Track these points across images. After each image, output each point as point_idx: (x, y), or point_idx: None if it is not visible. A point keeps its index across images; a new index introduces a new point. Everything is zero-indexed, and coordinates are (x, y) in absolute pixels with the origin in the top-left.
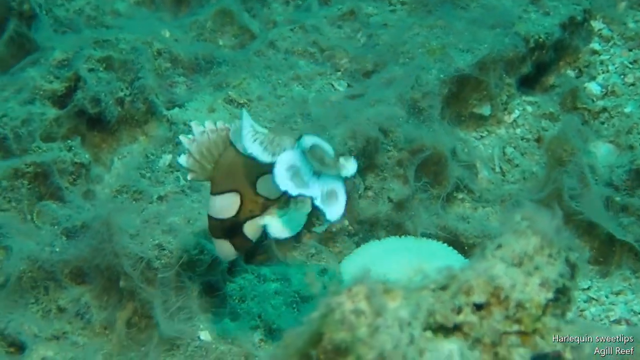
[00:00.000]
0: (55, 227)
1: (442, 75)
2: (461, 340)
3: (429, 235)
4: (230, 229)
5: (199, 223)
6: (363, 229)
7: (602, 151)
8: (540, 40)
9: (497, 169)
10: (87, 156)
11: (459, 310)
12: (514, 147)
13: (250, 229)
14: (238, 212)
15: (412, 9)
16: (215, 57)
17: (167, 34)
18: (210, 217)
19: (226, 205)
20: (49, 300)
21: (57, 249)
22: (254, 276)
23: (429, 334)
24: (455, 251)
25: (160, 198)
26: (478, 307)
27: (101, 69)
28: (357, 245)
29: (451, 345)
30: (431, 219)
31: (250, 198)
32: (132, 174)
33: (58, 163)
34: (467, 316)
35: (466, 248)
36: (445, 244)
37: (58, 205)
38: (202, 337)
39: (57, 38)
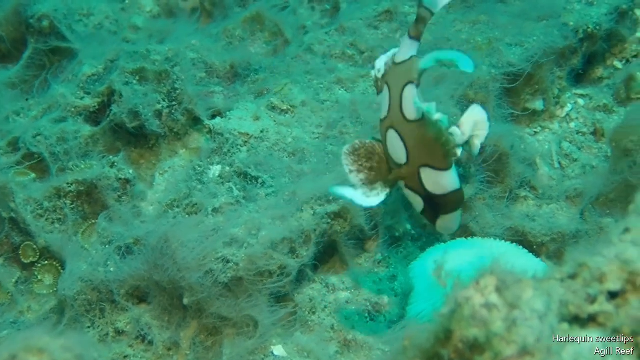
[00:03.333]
0: (107, 246)
1: (493, 71)
2: (599, 331)
3: (495, 236)
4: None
5: (263, 233)
6: (426, 232)
7: None
8: (589, 30)
9: (556, 165)
10: (131, 172)
11: (593, 300)
12: (570, 142)
13: None
14: None
15: (451, 5)
16: (251, 64)
17: (197, 44)
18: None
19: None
20: (106, 323)
21: (112, 269)
22: (322, 286)
23: (565, 325)
24: (526, 251)
25: (215, 210)
26: (613, 296)
27: (135, 81)
28: (422, 249)
29: (592, 337)
30: (496, 218)
31: None
32: (181, 187)
33: (102, 180)
34: (603, 305)
35: (535, 247)
36: (515, 244)
37: (108, 224)
38: (275, 353)
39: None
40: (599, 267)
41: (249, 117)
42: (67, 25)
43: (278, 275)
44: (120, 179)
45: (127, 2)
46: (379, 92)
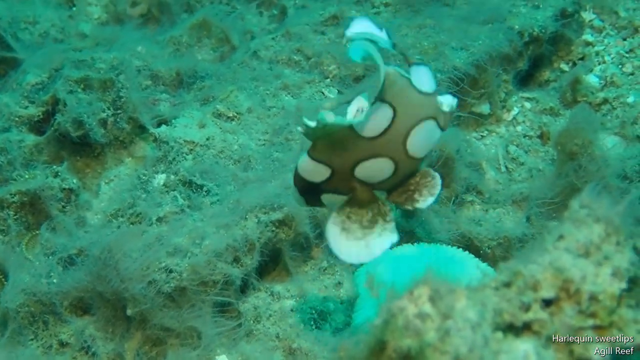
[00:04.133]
0: (50, 257)
1: (439, 75)
2: (533, 339)
3: (442, 242)
4: (309, 189)
5: (207, 242)
6: None
7: (608, 144)
8: (535, 33)
9: (503, 169)
10: (75, 181)
11: (527, 308)
12: (517, 145)
13: (327, 200)
14: (323, 182)
15: (397, 9)
16: (197, 71)
17: (143, 51)
18: (297, 172)
19: (316, 172)
20: (50, 335)
21: (55, 280)
22: (267, 294)
23: (499, 334)
24: (472, 256)
25: (159, 219)
26: (547, 303)
27: (79, 90)
28: None
29: (525, 345)
30: (443, 224)
31: (343, 177)
32: (125, 197)
33: (46, 190)
34: (537, 313)
35: (481, 252)
36: (461, 249)
37: (51, 234)
38: None
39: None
40: (533, 274)
41: (194, 124)
42: (12, 33)
43: (222, 285)
44: (64, 188)
45: (74, 9)
46: None
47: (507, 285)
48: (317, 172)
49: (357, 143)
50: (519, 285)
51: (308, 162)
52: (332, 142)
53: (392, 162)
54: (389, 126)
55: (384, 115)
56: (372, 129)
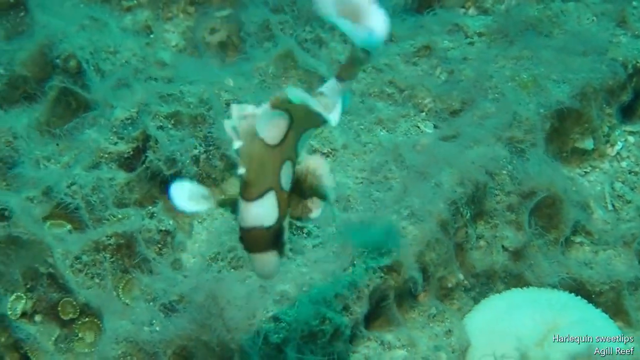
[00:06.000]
0: (151, 303)
1: (542, 110)
2: None
3: (552, 286)
4: (276, 235)
5: (314, 290)
6: (479, 282)
7: None
8: (639, 65)
9: (610, 207)
10: (171, 222)
11: None
12: (622, 182)
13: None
14: (279, 213)
15: (492, 40)
16: None
17: (231, 83)
18: (247, 230)
19: (268, 208)
20: None
21: (157, 328)
22: (377, 343)
23: None
24: (585, 301)
25: None
26: None
27: (170, 125)
28: (475, 300)
29: None
30: (552, 266)
31: (281, 195)
32: (224, 239)
33: (143, 232)
34: None
35: (593, 296)
36: (572, 294)
37: (150, 279)
38: None
39: (112, 95)
40: None
41: None
42: (94, 64)
43: (332, 335)
44: (161, 230)
45: (152, 36)
46: None
47: None
48: (270, 206)
49: None
50: None
51: (252, 205)
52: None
53: None
54: None
55: None
56: None
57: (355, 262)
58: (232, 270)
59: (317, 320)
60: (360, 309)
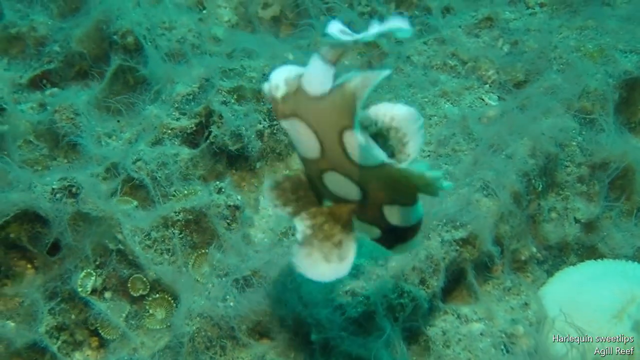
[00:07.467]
0: (223, 278)
1: (610, 80)
2: None
3: (626, 257)
4: None
5: (392, 264)
6: (552, 255)
7: None
8: None
9: None
10: (239, 197)
11: None
12: None
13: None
14: None
15: (554, 10)
16: None
17: (291, 57)
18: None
19: None
20: None
21: (232, 304)
22: (454, 317)
23: None
24: None
25: None
26: None
27: (233, 100)
28: (549, 273)
29: None
30: (626, 238)
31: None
32: None
33: (212, 208)
34: None
35: None
36: None
37: (221, 254)
38: None
39: (170, 71)
40: None
41: None
42: (151, 40)
43: (410, 308)
44: (230, 205)
45: (204, 12)
46: (281, 118)
47: None
48: None
49: None
50: None
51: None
52: None
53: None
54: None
55: None
56: None
57: (430, 236)
58: None
59: (395, 293)
60: (437, 283)
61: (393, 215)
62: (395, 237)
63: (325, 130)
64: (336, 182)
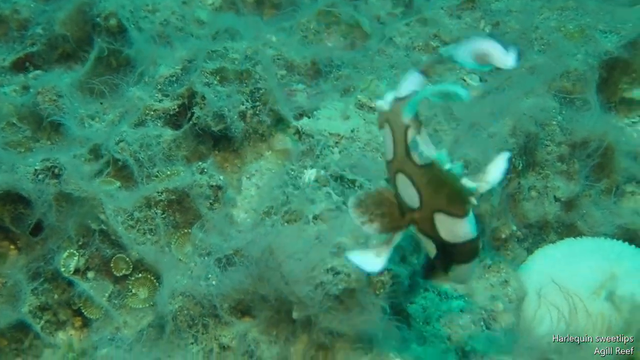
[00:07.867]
0: (205, 257)
1: (590, 60)
2: None
3: (605, 235)
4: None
5: (372, 241)
6: (532, 233)
7: None
8: None
9: None
10: (222, 178)
11: None
12: None
13: None
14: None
15: None
16: (333, 59)
17: (274, 39)
18: (462, 244)
19: (474, 220)
20: (210, 338)
21: (214, 282)
22: (435, 294)
23: None
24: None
25: (316, 217)
26: None
27: (216, 82)
28: (529, 251)
29: None
30: (605, 216)
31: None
32: (277, 193)
33: (194, 188)
34: None
35: None
36: (627, 243)
37: (204, 234)
38: None
39: (153, 52)
40: None
41: (338, 116)
42: (135, 22)
43: (391, 285)
44: (212, 185)
45: None
46: (380, 128)
47: None
48: None
49: None
50: None
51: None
52: None
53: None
54: None
55: None
56: None
57: None
58: (286, 224)
59: None
60: (417, 260)
61: (442, 225)
62: (449, 257)
63: (395, 130)
64: (403, 187)
